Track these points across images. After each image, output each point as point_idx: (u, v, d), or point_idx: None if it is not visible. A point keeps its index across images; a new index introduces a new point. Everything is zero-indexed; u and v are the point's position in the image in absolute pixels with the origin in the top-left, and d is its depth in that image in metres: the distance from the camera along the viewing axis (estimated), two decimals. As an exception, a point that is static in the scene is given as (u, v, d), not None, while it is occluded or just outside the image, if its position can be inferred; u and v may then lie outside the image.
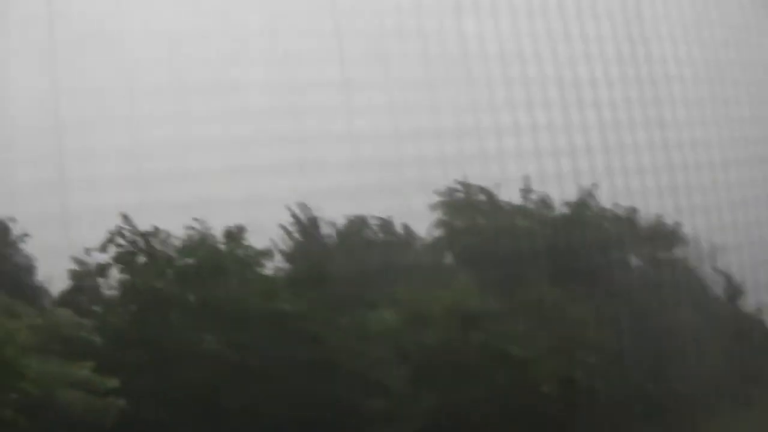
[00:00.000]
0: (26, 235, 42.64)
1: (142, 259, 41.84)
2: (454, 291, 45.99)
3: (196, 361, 38.66)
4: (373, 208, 48.50)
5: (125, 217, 41.35)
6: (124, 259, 41.35)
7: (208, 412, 37.80)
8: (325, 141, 47.83)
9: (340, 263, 46.12)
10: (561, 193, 53.72)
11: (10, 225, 42.74)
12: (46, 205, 42.55)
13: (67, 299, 41.19)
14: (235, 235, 42.97)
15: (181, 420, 37.09)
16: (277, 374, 39.55)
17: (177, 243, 42.45)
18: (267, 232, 45.68)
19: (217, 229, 43.08)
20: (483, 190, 52.21)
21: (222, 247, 42.83)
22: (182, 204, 43.08)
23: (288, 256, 47.13)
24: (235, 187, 44.71)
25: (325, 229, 48.40)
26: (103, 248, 41.28)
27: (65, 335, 35.08)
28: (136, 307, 40.30)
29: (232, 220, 43.09)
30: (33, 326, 33.54)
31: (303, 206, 47.87)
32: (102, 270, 41.38)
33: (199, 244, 42.66)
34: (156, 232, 42.04)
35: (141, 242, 41.70)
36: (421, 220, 50.36)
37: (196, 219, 42.71)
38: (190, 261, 42.19)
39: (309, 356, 40.12)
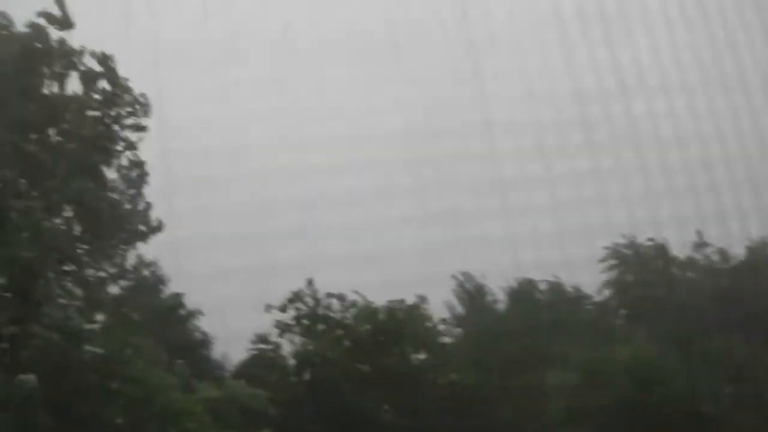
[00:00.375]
0: (200, 312, 44.12)
1: (320, 324, 42.34)
2: (631, 347, 44.43)
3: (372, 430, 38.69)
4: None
5: (309, 282, 42.09)
6: (302, 324, 42.07)
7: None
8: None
9: (511, 326, 45.53)
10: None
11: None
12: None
13: (244, 370, 42.23)
14: (416, 305, 43.07)
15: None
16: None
17: (372, 310, 42.96)
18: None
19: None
20: (653, 245, 50.92)
21: (400, 315, 42.96)
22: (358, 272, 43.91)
23: (458, 323, 47.18)
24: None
25: (492, 296, 48.31)
26: (283, 308, 42.02)
27: (242, 406, 35.76)
28: (310, 377, 40.62)
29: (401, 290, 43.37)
30: (210, 398, 34.33)
31: (467, 275, 48.07)
32: (282, 330, 41.95)
33: (377, 312, 42.98)
34: (335, 297, 42.57)
35: (320, 307, 42.18)
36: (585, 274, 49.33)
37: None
38: (368, 328, 42.49)
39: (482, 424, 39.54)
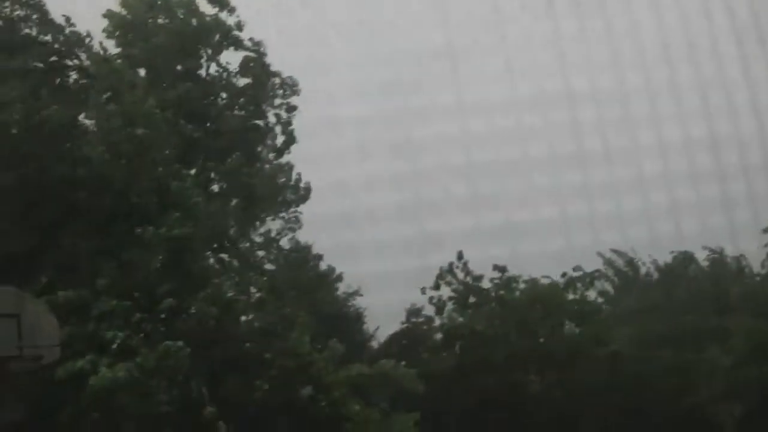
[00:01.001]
0: (358, 293, 45.37)
1: (472, 298, 42.35)
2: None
3: (523, 404, 38.68)
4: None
5: (459, 255, 41.92)
6: (455, 298, 42.15)
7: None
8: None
9: (664, 301, 44.45)
10: None
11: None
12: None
13: (393, 343, 42.86)
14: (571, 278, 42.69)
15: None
16: (605, 418, 38.76)
17: (509, 283, 42.79)
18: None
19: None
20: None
21: (554, 289, 42.68)
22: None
23: (609, 300, 46.45)
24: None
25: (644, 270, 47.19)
26: (436, 286, 41.93)
27: (391, 383, 36.73)
28: (460, 350, 40.81)
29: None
30: (362, 374, 35.18)
31: (617, 252, 47.21)
32: (438, 307, 42.16)
33: (530, 286, 42.75)
34: (498, 268, 42.28)
35: (471, 281, 42.23)
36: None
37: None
38: (520, 301, 42.38)
39: (636, 398, 38.90)
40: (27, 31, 33.87)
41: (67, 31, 34.32)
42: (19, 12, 33.83)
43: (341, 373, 33.95)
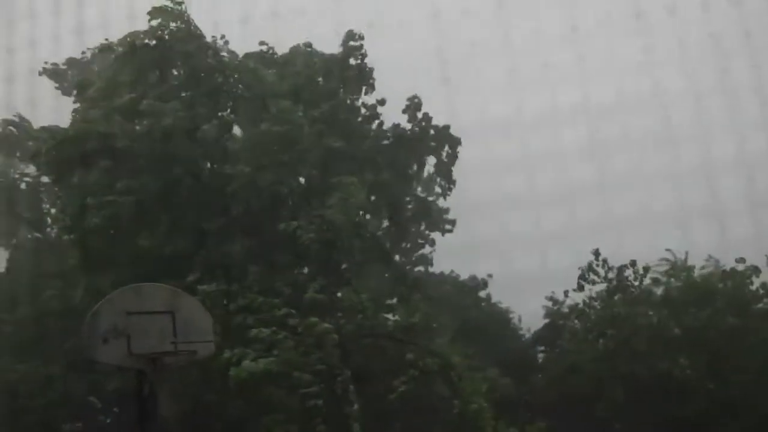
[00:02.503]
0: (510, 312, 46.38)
1: (616, 293, 42.12)
2: None
3: (673, 393, 38.30)
4: None
5: (596, 252, 41.62)
6: (603, 293, 41.98)
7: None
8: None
9: None
10: None
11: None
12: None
13: (539, 337, 43.08)
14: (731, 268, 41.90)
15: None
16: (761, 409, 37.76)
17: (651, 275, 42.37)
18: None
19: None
20: None
21: (713, 277, 42.00)
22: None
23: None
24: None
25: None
26: (579, 287, 42.01)
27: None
28: (611, 341, 40.61)
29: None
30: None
31: None
32: (584, 306, 42.26)
33: (679, 273, 42.28)
34: (630, 264, 41.86)
35: (614, 276, 41.97)
36: None
37: (668, 250, 42.41)
38: (671, 289, 41.98)
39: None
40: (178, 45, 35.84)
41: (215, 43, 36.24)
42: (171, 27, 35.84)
43: (479, 379, 34.56)
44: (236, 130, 37.42)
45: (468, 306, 44.26)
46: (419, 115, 38.24)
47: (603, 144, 46.12)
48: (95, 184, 34.66)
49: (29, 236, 45.05)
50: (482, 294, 47.32)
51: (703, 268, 42.08)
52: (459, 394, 32.79)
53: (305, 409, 30.05)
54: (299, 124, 35.41)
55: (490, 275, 46.82)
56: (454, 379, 33.01)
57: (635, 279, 42.12)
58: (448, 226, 41.73)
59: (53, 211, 43.63)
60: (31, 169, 43.39)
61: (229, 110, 36.75)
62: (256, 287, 32.71)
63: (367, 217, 37.01)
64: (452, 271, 47.36)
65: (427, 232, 41.39)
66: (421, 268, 43.21)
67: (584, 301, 42.27)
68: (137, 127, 35.34)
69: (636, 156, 46.95)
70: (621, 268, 41.71)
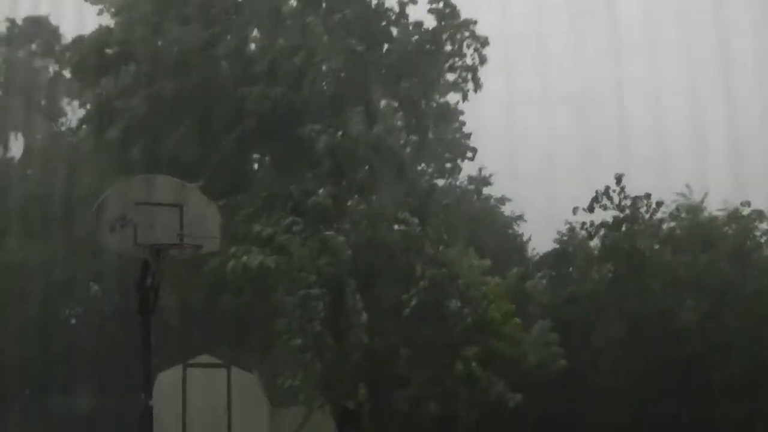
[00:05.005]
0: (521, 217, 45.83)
1: (627, 223, 41.35)
2: None
3: (674, 334, 38.13)
4: None
5: (618, 179, 40.68)
6: (609, 222, 41.45)
7: (677, 388, 36.65)
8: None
9: None
10: None
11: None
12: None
13: (544, 262, 42.92)
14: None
15: (648, 395, 36.63)
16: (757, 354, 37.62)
17: (665, 210, 41.83)
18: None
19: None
20: None
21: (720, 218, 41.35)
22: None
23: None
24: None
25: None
26: (590, 208, 40.94)
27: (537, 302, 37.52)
28: (614, 271, 40.31)
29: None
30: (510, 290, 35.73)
31: None
32: (588, 231, 41.37)
33: (689, 212, 41.73)
34: (645, 197, 41.01)
35: (628, 205, 41.21)
36: None
37: (687, 186, 41.57)
38: (677, 227, 41.44)
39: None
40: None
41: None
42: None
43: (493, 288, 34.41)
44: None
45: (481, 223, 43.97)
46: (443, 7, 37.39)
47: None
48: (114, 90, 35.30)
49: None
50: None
51: (721, 210, 41.27)
52: (468, 303, 32.38)
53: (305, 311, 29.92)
54: (318, 33, 34.80)
55: (507, 198, 46.68)
56: (462, 288, 32.61)
57: (647, 212, 41.44)
58: (469, 154, 41.37)
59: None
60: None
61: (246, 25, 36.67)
62: (265, 192, 32.50)
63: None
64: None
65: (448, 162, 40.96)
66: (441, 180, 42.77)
67: (587, 227, 41.63)
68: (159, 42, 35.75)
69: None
70: (635, 199, 40.90)
